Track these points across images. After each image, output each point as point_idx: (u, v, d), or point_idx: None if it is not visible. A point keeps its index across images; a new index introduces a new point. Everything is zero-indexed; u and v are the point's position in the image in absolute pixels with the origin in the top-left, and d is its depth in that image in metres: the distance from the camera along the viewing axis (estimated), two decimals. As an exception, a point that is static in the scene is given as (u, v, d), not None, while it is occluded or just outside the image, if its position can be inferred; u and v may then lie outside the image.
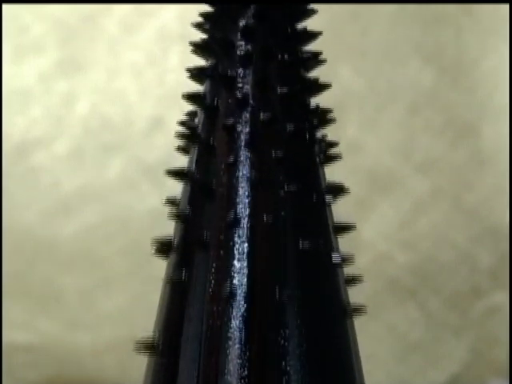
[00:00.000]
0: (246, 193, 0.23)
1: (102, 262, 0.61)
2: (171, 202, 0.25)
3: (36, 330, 0.61)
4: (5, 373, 0.59)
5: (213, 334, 0.22)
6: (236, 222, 0.22)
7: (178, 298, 0.23)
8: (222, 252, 0.22)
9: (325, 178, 0.26)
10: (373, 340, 0.61)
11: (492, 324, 0.62)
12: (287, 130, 0.24)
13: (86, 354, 0.61)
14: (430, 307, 0.62)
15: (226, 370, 0.21)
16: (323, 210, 0.24)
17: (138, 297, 0.60)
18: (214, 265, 0.22)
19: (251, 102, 0.24)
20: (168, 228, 0.27)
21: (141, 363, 0.25)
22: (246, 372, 0.21)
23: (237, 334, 0.22)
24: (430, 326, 0.62)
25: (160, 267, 0.26)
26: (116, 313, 0.61)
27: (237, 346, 0.21)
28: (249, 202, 0.23)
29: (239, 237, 0.22)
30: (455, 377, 0.62)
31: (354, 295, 0.26)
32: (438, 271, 0.62)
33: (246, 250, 0.22)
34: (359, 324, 0.26)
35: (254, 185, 0.23)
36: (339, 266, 0.24)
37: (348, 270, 0.27)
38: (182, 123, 0.25)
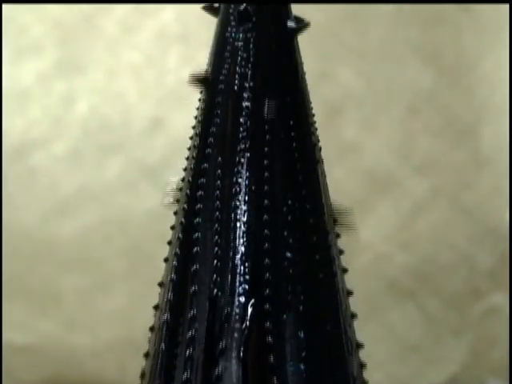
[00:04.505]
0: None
1: (100, 262, 0.61)
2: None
3: (35, 331, 0.61)
4: (5, 373, 0.59)
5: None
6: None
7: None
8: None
9: None
10: (372, 341, 0.61)
11: (491, 325, 0.62)
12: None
13: (86, 355, 0.61)
14: (430, 308, 0.62)
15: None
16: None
17: (137, 297, 0.60)
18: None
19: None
20: (167, 228, 0.27)
21: (140, 364, 0.25)
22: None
23: None
24: (429, 326, 0.62)
25: (159, 268, 0.26)
26: (115, 313, 0.61)
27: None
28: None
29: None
30: (454, 377, 0.62)
31: (353, 295, 0.26)
32: (438, 272, 0.62)
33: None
34: (359, 324, 0.26)
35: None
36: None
37: (347, 271, 0.27)
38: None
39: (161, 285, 0.26)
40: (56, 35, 0.62)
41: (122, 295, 0.61)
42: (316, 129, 0.28)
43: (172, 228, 0.27)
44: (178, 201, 0.27)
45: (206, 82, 0.27)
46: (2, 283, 0.60)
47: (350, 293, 0.26)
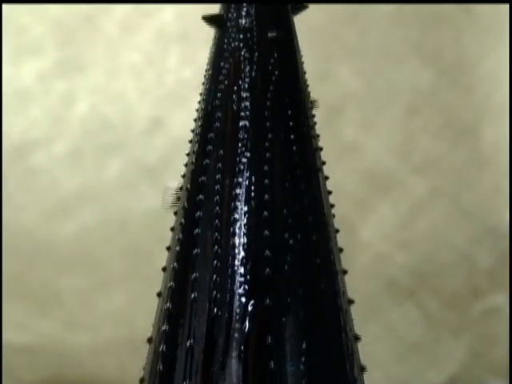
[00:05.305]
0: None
1: (100, 262, 0.61)
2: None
3: (35, 331, 0.61)
4: (5, 373, 0.59)
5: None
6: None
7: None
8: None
9: None
10: (372, 340, 0.61)
11: (491, 324, 0.62)
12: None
13: (86, 354, 0.61)
14: (429, 307, 0.62)
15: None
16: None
17: (137, 297, 0.60)
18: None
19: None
20: (167, 228, 0.27)
21: (140, 363, 0.25)
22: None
23: None
24: (429, 326, 0.62)
25: (158, 267, 0.26)
26: (115, 313, 0.61)
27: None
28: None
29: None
30: (454, 377, 0.62)
31: (353, 295, 0.26)
32: (437, 272, 0.62)
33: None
34: (358, 324, 0.26)
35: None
36: None
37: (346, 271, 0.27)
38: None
39: (162, 278, 0.26)
40: (56, 35, 0.62)
41: (121, 295, 0.61)
42: (318, 135, 0.27)
43: (171, 245, 0.27)
44: (175, 213, 0.27)
45: (220, 20, 0.27)
46: (2, 283, 0.60)
47: (351, 301, 0.26)
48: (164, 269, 0.26)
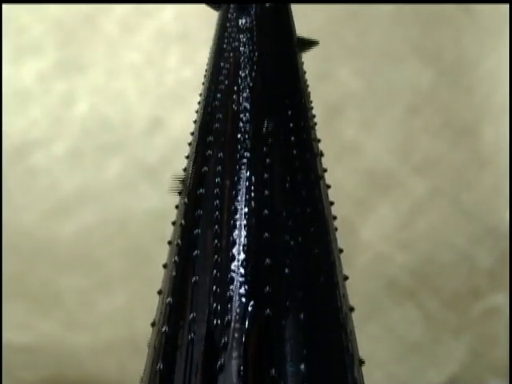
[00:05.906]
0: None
1: (100, 262, 0.61)
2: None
3: (35, 331, 0.61)
4: (5, 373, 0.59)
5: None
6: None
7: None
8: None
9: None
10: (372, 340, 0.61)
11: (491, 324, 0.62)
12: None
13: (86, 354, 0.61)
14: (429, 308, 0.62)
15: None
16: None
17: (137, 297, 0.60)
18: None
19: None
20: (167, 228, 0.27)
21: (140, 363, 0.25)
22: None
23: None
24: (429, 326, 0.62)
25: (158, 267, 0.26)
26: (115, 313, 0.61)
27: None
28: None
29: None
30: (454, 377, 0.62)
31: (353, 295, 0.26)
32: (437, 272, 0.62)
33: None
34: (358, 324, 0.26)
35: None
36: None
37: (346, 271, 0.27)
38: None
39: (160, 292, 0.26)
40: (56, 35, 0.62)
41: (121, 295, 0.61)
42: (319, 139, 0.27)
43: (169, 243, 0.26)
44: (173, 223, 0.27)
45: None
46: (2, 283, 0.60)
47: (351, 309, 0.26)
48: (160, 292, 0.26)
